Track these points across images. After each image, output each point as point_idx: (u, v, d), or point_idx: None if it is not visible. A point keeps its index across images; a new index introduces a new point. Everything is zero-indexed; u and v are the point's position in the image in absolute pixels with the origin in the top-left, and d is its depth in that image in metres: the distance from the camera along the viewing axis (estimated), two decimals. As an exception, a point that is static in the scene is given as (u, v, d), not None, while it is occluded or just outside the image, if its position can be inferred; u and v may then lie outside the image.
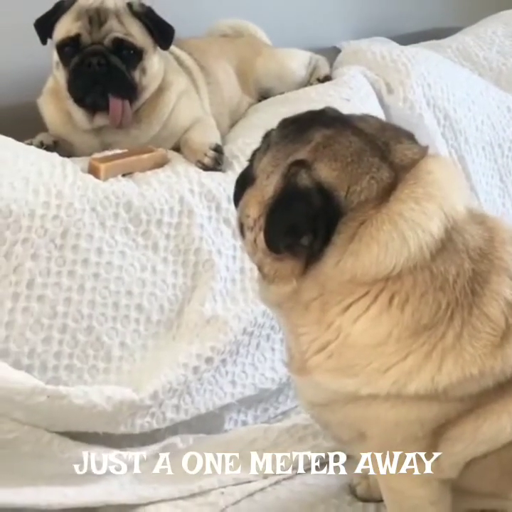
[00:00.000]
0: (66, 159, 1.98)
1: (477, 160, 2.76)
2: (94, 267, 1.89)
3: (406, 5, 3.47)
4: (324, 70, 2.68)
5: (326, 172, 1.31)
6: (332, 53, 3.11)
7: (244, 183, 1.46)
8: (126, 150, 2.06)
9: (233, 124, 2.50)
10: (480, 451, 1.41)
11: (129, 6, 2.10)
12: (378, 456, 1.47)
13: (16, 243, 1.82)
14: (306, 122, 1.41)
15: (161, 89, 2.16)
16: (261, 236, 1.37)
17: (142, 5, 2.12)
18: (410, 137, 1.44)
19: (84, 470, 1.79)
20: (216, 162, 2.08)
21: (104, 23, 2.04)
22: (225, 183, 2.06)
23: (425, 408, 1.35)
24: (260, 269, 1.43)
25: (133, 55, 2.05)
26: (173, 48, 2.30)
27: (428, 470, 1.43)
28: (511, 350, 1.32)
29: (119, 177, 1.98)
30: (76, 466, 1.78)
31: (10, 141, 2.00)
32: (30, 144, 2.08)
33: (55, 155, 1.99)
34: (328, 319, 1.37)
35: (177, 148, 2.22)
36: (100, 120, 2.08)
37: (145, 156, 2.04)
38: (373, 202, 1.30)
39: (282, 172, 1.34)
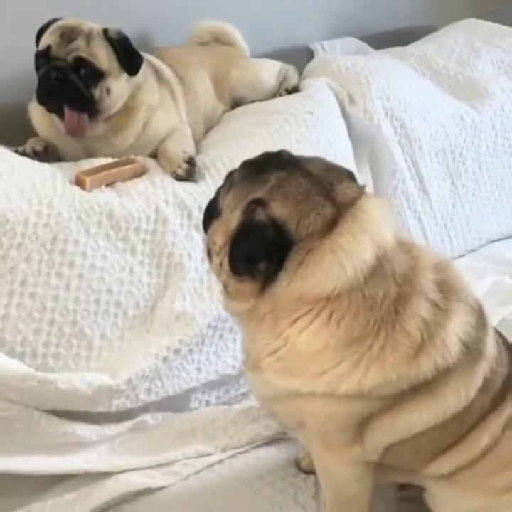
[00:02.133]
0: (56, 171, 2.10)
1: (430, 165, 2.92)
2: (79, 269, 2.00)
3: (377, 6, 3.54)
4: (293, 80, 2.81)
5: (279, 209, 1.47)
6: (305, 53, 3.25)
7: (212, 213, 1.62)
8: (109, 161, 2.21)
9: (208, 129, 2.63)
10: (396, 439, 1.58)
11: (105, 31, 2.19)
12: (314, 440, 1.65)
13: (11, 247, 1.94)
14: (263, 165, 1.56)
15: (133, 107, 2.28)
16: (225, 261, 1.52)
17: (119, 33, 2.22)
18: (350, 176, 1.60)
19: (68, 442, 1.96)
20: (189, 173, 2.22)
21: (73, 41, 2.14)
22: (196, 194, 2.19)
23: (353, 405, 1.52)
24: (225, 287, 1.59)
25: (92, 75, 2.14)
26: (155, 60, 2.46)
27: (354, 453, 1.61)
28: (424, 360, 1.49)
29: (103, 187, 2.11)
30: (60, 439, 1.95)
31: (7, 153, 2.13)
32: (24, 150, 2.22)
33: (46, 167, 2.12)
34: (279, 330, 1.54)
35: (155, 155, 2.34)
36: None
37: (126, 167, 2.19)
38: (318, 234, 1.46)
39: (243, 208, 1.50)
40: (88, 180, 2.07)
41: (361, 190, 1.56)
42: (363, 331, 1.48)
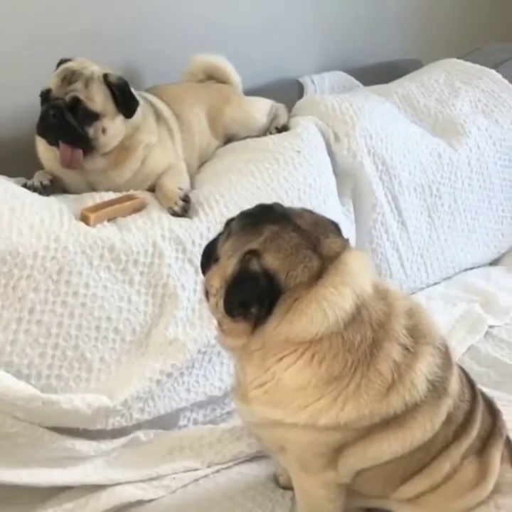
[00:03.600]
0: (63, 207, 2.21)
1: (409, 199, 3.04)
2: (82, 298, 2.10)
3: (365, 41, 3.69)
4: (283, 118, 2.90)
5: (271, 260, 1.59)
6: (294, 86, 3.34)
7: (210, 257, 1.74)
8: (111, 197, 2.33)
9: (202, 163, 2.71)
10: (367, 465, 1.71)
11: (105, 75, 2.30)
12: (294, 463, 1.78)
13: (21, 278, 2.04)
14: (258, 218, 1.68)
15: (131, 145, 2.37)
16: (221, 302, 1.64)
17: (119, 78, 2.33)
18: (335, 231, 1.72)
19: (68, 456, 2.09)
20: (184, 210, 2.34)
21: (73, 83, 2.26)
22: (190, 229, 2.31)
23: (330, 435, 1.65)
24: (219, 325, 1.72)
25: (87, 115, 2.25)
26: (154, 99, 2.59)
27: (328, 476, 1.74)
28: (394, 397, 1.62)
29: (105, 223, 2.22)
30: (61, 453, 2.05)
31: (19, 190, 2.24)
32: (32, 184, 2.32)
33: (53, 202, 2.23)
34: (267, 365, 1.65)
35: (153, 188, 2.43)
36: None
37: (127, 203, 2.30)
38: (305, 284, 1.58)
39: (239, 257, 1.61)
40: (92, 216, 2.19)
41: (345, 244, 1.69)
42: (342, 370, 1.61)
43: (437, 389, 1.68)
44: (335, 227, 1.74)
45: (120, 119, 2.32)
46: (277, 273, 1.58)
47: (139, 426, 2.19)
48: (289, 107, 3.00)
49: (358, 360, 1.61)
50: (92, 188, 2.39)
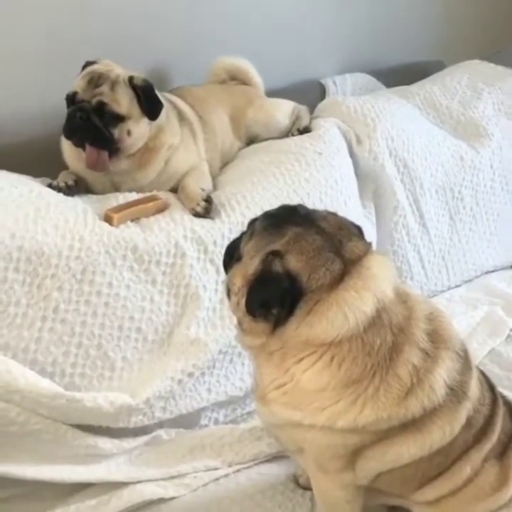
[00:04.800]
0: (87, 207, 2.21)
1: (430, 202, 3.01)
2: (105, 297, 2.11)
3: (388, 42, 3.63)
4: (305, 120, 2.88)
5: (294, 262, 1.58)
6: (316, 88, 3.33)
7: (232, 256, 1.74)
8: (134, 198, 2.32)
9: (224, 164, 2.71)
10: (386, 468, 1.71)
11: (130, 78, 2.31)
12: (312, 464, 1.79)
13: (46, 277, 2.05)
14: (282, 219, 1.68)
15: (155, 147, 2.38)
16: (243, 301, 1.64)
17: (144, 80, 2.33)
18: (358, 234, 1.72)
19: (90, 453, 2.07)
20: (206, 211, 2.34)
21: (99, 86, 2.27)
22: (212, 230, 2.30)
23: (348, 437, 1.65)
24: (239, 323, 1.72)
25: (113, 118, 2.26)
26: (178, 100, 2.60)
27: (346, 478, 1.74)
28: (412, 401, 1.62)
29: (129, 223, 2.22)
30: (84, 451, 2.06)
31: (45, 190, 2.24)
32: (57, 184, 2.33)
33: (78, 203, 2.24)
34: (286, 366, 1.65)
35: (176, 189, 2.44)
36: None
37: (150, 204, 2.30)
38: (326, 287, 1.58)
39: (262, 257, 1.61)
40: (116, 217, 2.20)
41: (367, 247, 1.69)
42: (361, 374, 1.61)
43: (456, 393, 1.68)
44: (358, 231, 1.74)
45: (145, 121, 2.33)
46: (299, 275, 1.58)
47: (160, 425, 2.20)
48: (311, 108, 3.00)
49: (377, 364, 1.61)
50: (116, 188, 2.41)
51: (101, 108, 2.25)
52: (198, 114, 2.62)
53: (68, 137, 2.31)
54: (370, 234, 2.66)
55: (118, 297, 2.14)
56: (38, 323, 2.05)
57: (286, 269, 1.58)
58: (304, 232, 1.63)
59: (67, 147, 2.42)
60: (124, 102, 2.29)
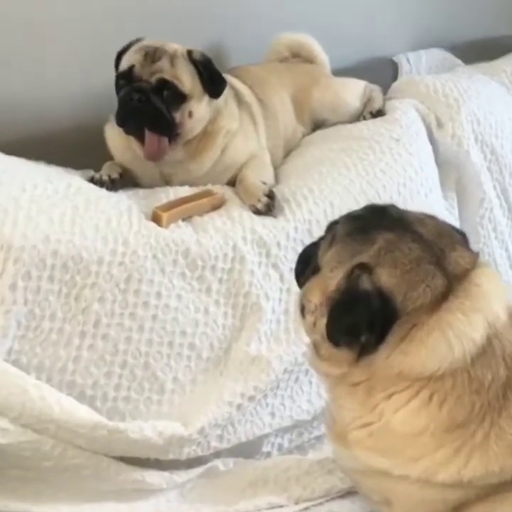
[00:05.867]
0: (132, 205, 2.06)
1: None
2: (153, 309, 1.97)
3: (465, 14, 3.44)
4: (378, 102, 2.69)
5: (385, 278, 1.41)
6: (388, 66, 3.16)
7: (307, 265, 1.57)
8: (187, 193, 2.17)
9: (287, 153, 2.55)
10: None
11: (189, 52, 2.16)
12: None
13: (84, 287, 1.92)
14: (369, 222, 1.50)
15: (212, 132, 2.23)
16: (321, 322, 1.47)
17: (203, 55, 2.18)
18: (463, 242, 1.54)
19: (137, 488, 1.93)
20: (268, 208, 2.16)
21: (157, 61, 2.11)
22: (275, 230, 2.14)
23: (449, 492, 1.46)
24: (315, 348, 1.54)
25: (175, 98, 2.11)
26: (235, 81, 2.40)
27: None
28: None
29: (180, 222, 2.07)
30: (129, 486, 1.92)
31: (84, 185, 2.09)
32: (100, 178, 2.17)
33: (122, 199, 2.08)
34: (373, 402, 1.47)
35: (233, 182, 2.29)
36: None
37: (204, 200, 2.14)
38: (426, 308, 1.40)
39: (346, 271, 1.44)
40: (165, 216, 2.03)
41: (474, 259, 1.50)
42: (467, 416, 1.41)
43: None
44: (462, 238, 1.55)
45: (206, 100, 2.18)
46: (393, 293, 1.40)
47: (217, 454, 2.03)
48: (383, 89, 2.83)
49: (487, 404, 1.40)
50: (166, 181, 2.26)
51: (162, 87, 2.09)
52: (257, 96, 2.46)
53: (122, 123, 2.14)
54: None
55: (168, 309, 2.00)
56: (77, 340, 1.92)
57: (377, 287, 1.40)
58: (397, 239, 1.44)
59: (113, 136, 2.28)
60: (186, 78, 2.13)
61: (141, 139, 2.14)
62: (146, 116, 2.10)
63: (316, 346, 1.55)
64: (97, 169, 2.25)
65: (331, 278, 1.47)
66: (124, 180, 2.21)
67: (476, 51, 3.31)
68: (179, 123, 2.12)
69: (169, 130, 2.12)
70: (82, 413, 1.83)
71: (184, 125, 2.14)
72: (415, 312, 1.41)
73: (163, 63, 2.11)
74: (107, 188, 2.15)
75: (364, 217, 1.54)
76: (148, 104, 2.08)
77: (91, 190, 2.08)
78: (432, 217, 1.55)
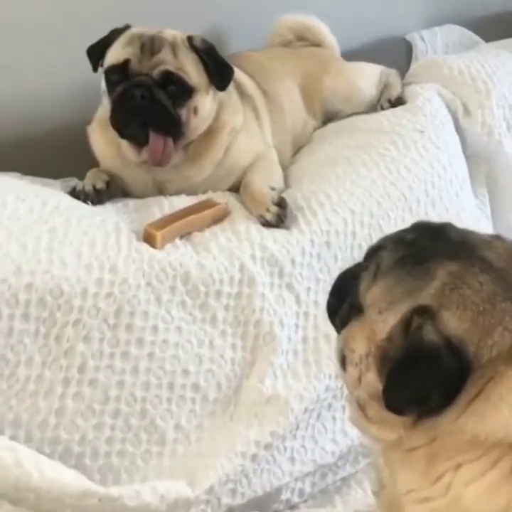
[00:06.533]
0: (120, 222, 1.90)
1: None
2: (148, 347, 1.83)
3: None
4: (396, 89, 2.53)
5: (454, 323, 1.21)
6: (401, 46, 3.07)
7: (343, 295, 1.37)
8: (185, 205, 1.98)
9: (297, 149, 2.40)
10: None
11: (189, 39, 1.99)
12: None
13: (67, 325, 1.76)
14: (425, 248, 1.29)
15: (214, 129, 2.06)
16: (368, 377, 1.28)
17: (204, 41, 2.01)
18: None
19: None
20: (279, 219, 1.98)
21: (157, 52, 1.94)
22: (288, 244, 1.97)
23: None
24: (361, 407, 1.34)
25: (182, 92, 1.95)
26: (236, 71, 2.18)
27: None
28: None
29: (177, 241, 1.89)
30: None
31: (62, 202, 1.92)
32: (82, 189, 2.01)
33: (108, 217, 1.92)
34: (436, 473, 1.28)
35: (235, 188, 2.13)
36: (145, 154, 1.99)
37: (204, 212, 1.95)
38: (505, 357, 1.21)
39: (401, 317, 1.24)
40: (159, 235, 1.85)
41: None
42: None
43: None
44: None
45: (211, 94, 2.02)
46: (465, 343, 1.20)
47: (229, 510, 1.85)
48: (399, 72, 2.67)
49: None
50: (160, 189, 2.09)
51: (166, 81, 1.93)
52: (260, 86, 2.29)
53: (122, 125, 1.97)
54: (485, 230, 2.19)
55: (166, 345, 1.84)
56: (59, 389, 1.76)
57: (445, 336, 1.19)
58: (463, 270, 1.24)
59: (98, 138, 2.12)
60: (191, 70, 1.97)
61: (140, 141, 1.98)
62: (150, 115, 1.93)
63: (361, 405, 1.35)
64: (81, 177, 2.12)
65: (380, 322, 1.27)
66: (111, 191, 2.06)
67: (495, 26, 3.24)
68: (185, 121, 1.97)
69: (176, 130, 1.96)
70: (68, 479, 1.63)
71: (189, 124, 1.98)
72: (491, 363, 1.21)
73: (165, 54, 1.95)
74: (92, 201, 2.00)
75: (417, 241, 1.32)
76: (153, 101, 1.92)
77: (71, 209, 1.92)
78: (499, 238, 1.34)
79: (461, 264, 1.25)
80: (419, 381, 1.21)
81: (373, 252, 1.36)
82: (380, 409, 1.28)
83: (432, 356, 1.20)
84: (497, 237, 1.34)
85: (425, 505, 1.28)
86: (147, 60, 1.93)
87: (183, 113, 1.96)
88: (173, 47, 1.96)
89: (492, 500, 1.23)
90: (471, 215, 2.34)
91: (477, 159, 2.53)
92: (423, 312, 1.21)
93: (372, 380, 1.27)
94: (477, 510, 1.24)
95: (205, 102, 2.00)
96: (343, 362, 1.35)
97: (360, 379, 1.31)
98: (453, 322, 1.21)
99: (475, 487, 1.23)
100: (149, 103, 1.91)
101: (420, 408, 1.23)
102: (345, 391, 1.48)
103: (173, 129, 1.95)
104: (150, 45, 1.94)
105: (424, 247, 1.30)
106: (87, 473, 1.70)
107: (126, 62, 1.93)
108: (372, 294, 1.30)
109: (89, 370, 1.77)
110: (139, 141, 1.97)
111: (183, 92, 1.95)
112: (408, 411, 1.25)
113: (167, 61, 1.93)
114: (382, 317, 1.27)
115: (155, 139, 1.94)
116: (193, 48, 1.98)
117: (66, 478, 1.63)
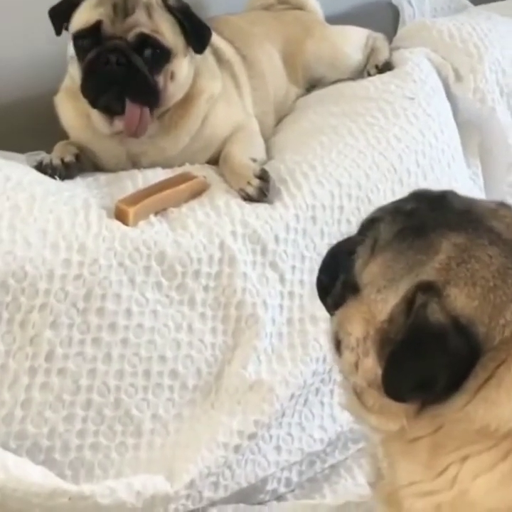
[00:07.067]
0: (90, 199, 1.82)
1: None
2: (122, 332, 1.76)
3: None
4: (383, 53, 2.45)
5: (462, 301, 1.14)
6: (388, 9, 3.01)
7: (335, 272, 1.30)
8: (160, 178, 1.91)
9: (279, 119, 2.35)
10: None
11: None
12: None
13: (32, 310, 1.69)
14: (426, 219, 1.22)
15: (190, 97, 2.00)
16: (366, 362, 1.22)
17: (179, 0, 1.94)
18: None
19: None
20: (261, 193, 1.91)
21: (131, 14, 1.86)
22: (271, 220, 1.91)
23: None
24: (358, 395, 1.28)
25: (159, 56, 1.88)
26: (213, 36, 2.10)
27: None
28: None
29: (151, 218, 1.82)
30: None
31: (26, 177, 1.83)
32: (50, 162, 1.94)
33: (77, 192, 1.84)
34: (441, 465, 1.22)
35: (214, 160, 2.07)
36: (119, 125, 1.91)
37: (181, 186, 1.87)
38: None
39: (403, 295, 1.17)
40: (131, 211, 1.77)
41: None
42: None
43: None
44: None
45: (188, 58, 1.95)
46: (474, 323, 1.14)
47: (212, 502, 1.80)
48: (387, 36, 2.60)
49: None
50: (134, 162, 2.02)
51: (142, 44, 1.85)
52: (239, 52, 2.23)
53: (95, 94, 1.88)
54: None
55: (141, 330, 1.78)
56: (25, 379, 1.69)
57: (452, 316, 1.12)
58: (470, 243, 1.17)
59: (66, 108, 2.05)
60: (167, 32, 1.89)
61: (114, 111, 1.90)
62: (127, 83, 1.86)
63: (358, 393, 1.29)
64: (48, 151, 2.05)
65: (379, 302, 1.20)
66: (80, 164, 1.98)
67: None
68: (162, 88, 1.90)
69: (154, 98, 1.89)
70: (35, 477, 1.56)
71: (166, 90, 1.91)
72: (504, 345, 1.15)
73: (139, 15, 1.87)
74: (60, 175, 1.93)
75: (417, 212, 1.24)
76: (130, 67, 1.84)
77: (36, 184, 1.83)
78: (505, 206, 1.26)
79: (467, 236, 1.18)
80: (424, 365, 1.14)
81: (369, 225, 1.28)
82: (380, 397, 1.23)
83: (437, 338, 1.13)
84: (503, 205, 1.26)
85: (428, 498, 1.23)
86: (120, 22, 1.85)
87: (160, 79, 1.89)
88: (148, 7, 1.88)
89: (502, 495, 1.17)
90: (463, 186, 2.28)
91: (469, 127, 2.48)
92: (427, 289, 1.14)
93: (371, 366, 1.20)
94: (485, 504, 1.19)
95: (183, 67, 1.93)
96: (337, 346, 1.28)
97: (357, 365, 1.24)
98: (460, 300, 1.14)
99: (484, 480, 1.18)
100: (125, 69, 1.84)
101: (424, 395, 1.17)
102: (337, 375, 1.42)
103: (151, 97, 1.89)
104: (123, 6, 1.87)
105: (426, 217, 1.22)
106: (57, 469, 1.66)
107: (97, 25, 1.85)
108: (369, 271, 1.23)
109: (57, 358, 1.71)
110: (114, 111, 1.90)
111: (160, 56, 1.88)
112: (411, 398, 1.18)
113: (142, 23, 1.86)
114: (382, 296, 1.20)
115: (131, 109, 1.87)
116: (168, 8, 1.91)
117: (33, 476, 1.57)
